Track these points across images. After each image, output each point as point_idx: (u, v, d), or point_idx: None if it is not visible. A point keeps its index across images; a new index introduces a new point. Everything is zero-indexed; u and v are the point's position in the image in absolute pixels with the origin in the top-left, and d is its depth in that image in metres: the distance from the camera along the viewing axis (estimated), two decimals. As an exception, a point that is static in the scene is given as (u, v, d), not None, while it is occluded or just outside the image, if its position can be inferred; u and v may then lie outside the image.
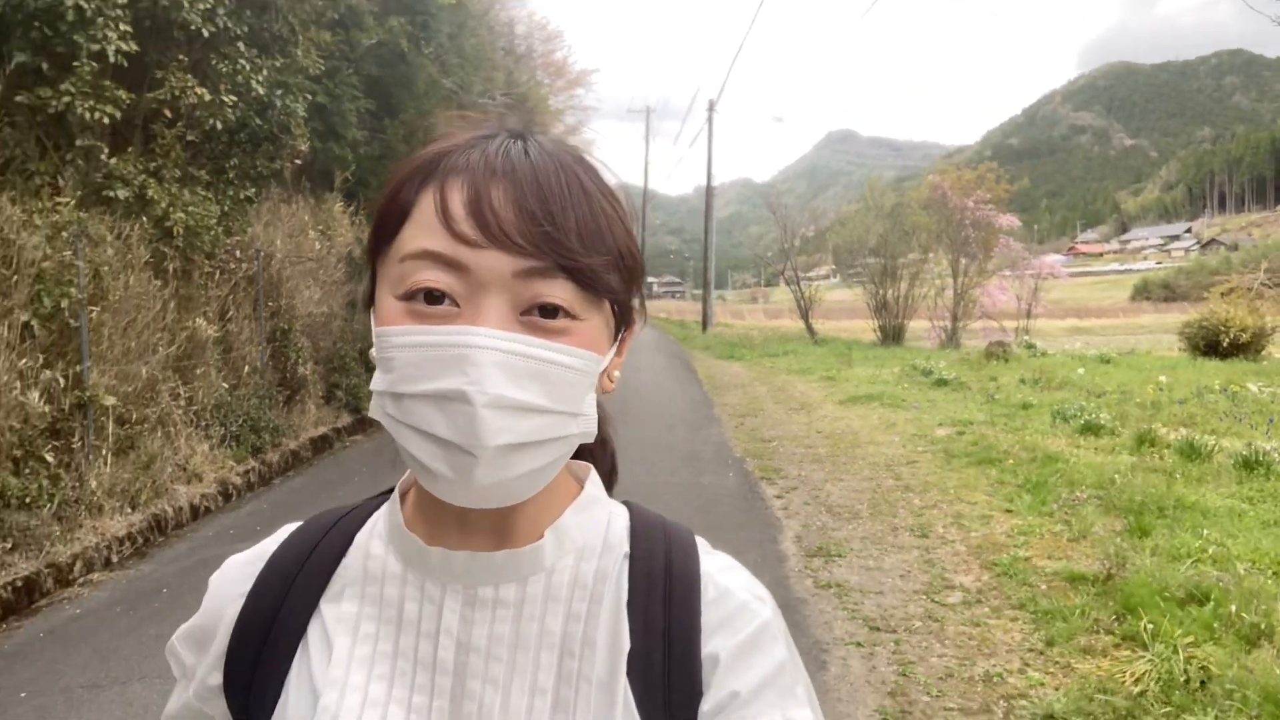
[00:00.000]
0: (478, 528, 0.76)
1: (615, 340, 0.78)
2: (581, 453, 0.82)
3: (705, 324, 34.28)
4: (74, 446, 7.26)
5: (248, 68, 9.14)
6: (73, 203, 7.76)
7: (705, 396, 14.91)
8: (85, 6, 7.45)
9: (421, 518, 0.79)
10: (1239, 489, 6.95)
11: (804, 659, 2.67)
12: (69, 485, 6.94)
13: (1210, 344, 17.72)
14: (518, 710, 0.74)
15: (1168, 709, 3.57)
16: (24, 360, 6.93)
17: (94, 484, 7.17)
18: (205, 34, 8.61)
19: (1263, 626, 4.08)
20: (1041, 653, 4.31)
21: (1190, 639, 4.04)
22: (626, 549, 0.81)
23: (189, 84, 8.52)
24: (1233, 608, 4.30)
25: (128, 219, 8.31)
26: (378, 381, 0.72)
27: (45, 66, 7.65)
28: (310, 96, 10.69)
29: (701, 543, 0.84)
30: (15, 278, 7.01)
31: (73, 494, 6.92)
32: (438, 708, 0.74)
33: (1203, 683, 3.70)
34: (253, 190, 10.09)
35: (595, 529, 0.81)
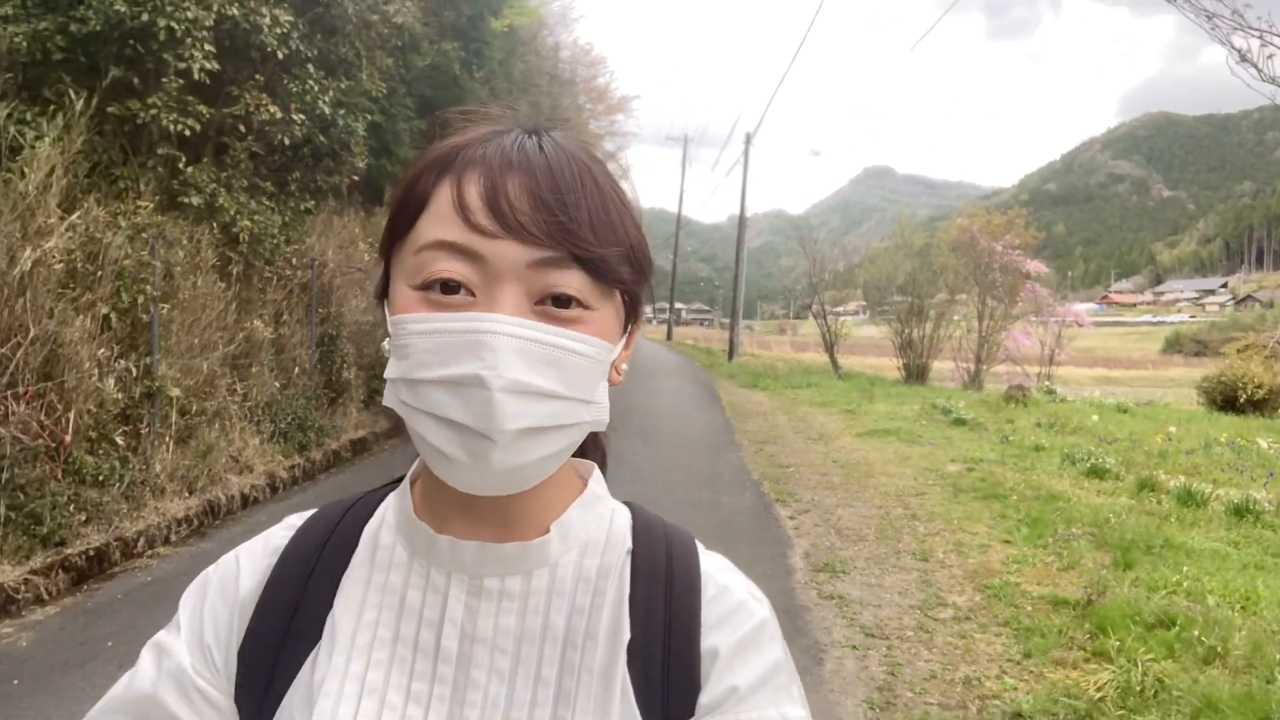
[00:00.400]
0: (484, 518, 0.79)
1: (624, 332, 0.80)
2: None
3: (731, 353, 34.78)
4: (141, 432, 7.85)
5: (316, 88, 9.80)
6: (151, 207, 8.41)
7: (727, 423, 15.39)
8: (176, 28, 8.11)
9: (429, 507, 0.81)
10: (1227, 534, 7.36)
11: (802, 658, 3.33)
12: (136, 467, 7.51)
13: (1228, 399, 18.03)
14: (522, 701, 0.75)
15: (1122, 711, 4.03)
16: (102, 350, 7.53)
17: (158, 468, 7.74)
18: (279, 55, 9.27)
19: (1218, 649, 4.53)
20: (1018, 663, 4.77)
21: (1152, 656, 4.50)
22: (629, 545, 0.83)
23: (263, 101, 9.18)
24: (1196, 632, 4.74)
25: (198, 224, 8.96)
26: (393, 369, 0.74)
27: (135, 81, 8.32)
28: (369, 116, 11.33)
29: (699, 543, 0.88)
30: (99, 274, 7.63)
31: (139, 475, 7.48)
32: (438, 695, 0.76)
33: (1156, 692, 4.16)
34: (312, 203, 10.75)
35: (599, 525, 0.84)
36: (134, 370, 7.84)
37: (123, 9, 7.83)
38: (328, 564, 0.82)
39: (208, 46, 8.40)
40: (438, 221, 0.72)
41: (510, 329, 0.68)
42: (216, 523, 7.76)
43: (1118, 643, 4.68)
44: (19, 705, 4.13)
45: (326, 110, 9.85)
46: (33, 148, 7.28)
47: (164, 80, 8.25)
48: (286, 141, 9.59)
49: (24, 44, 7.65)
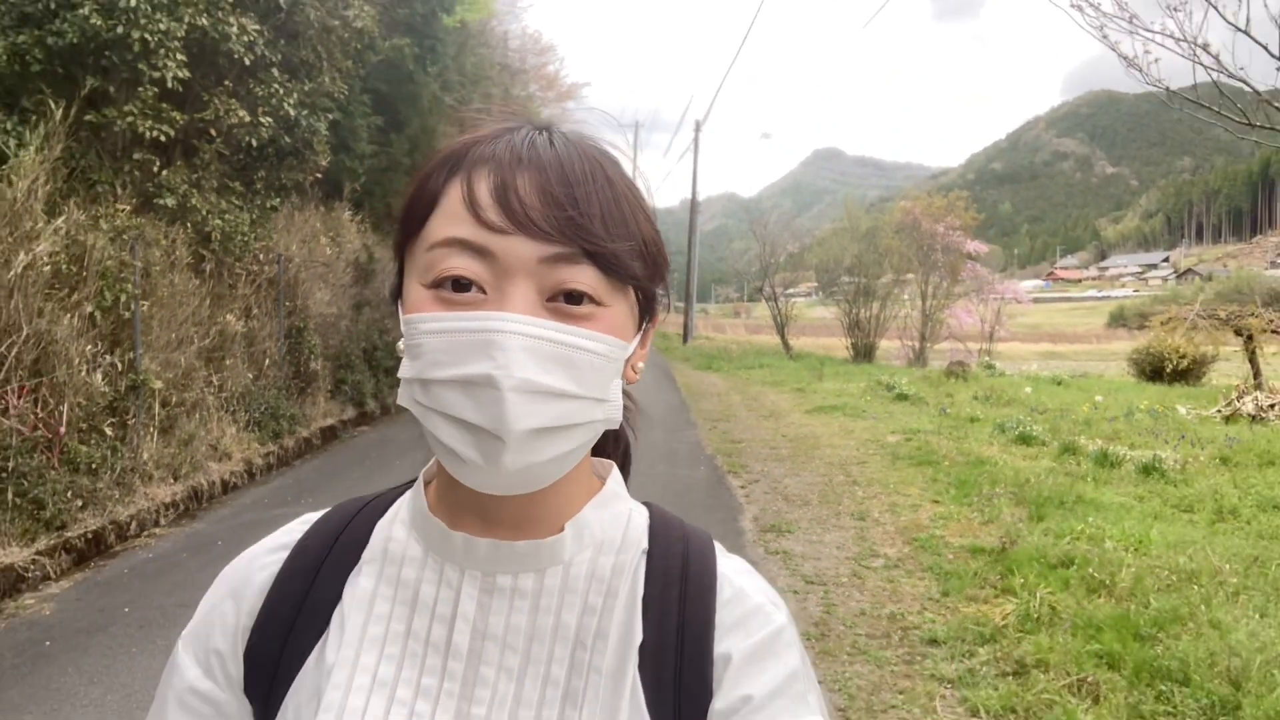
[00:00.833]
0: (498, 517, 0.78)
1: (639, 329, 0.79)
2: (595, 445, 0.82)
3: (686, 337, 35.48)
4: (128, 423, 8.30)
5: (280, 91, 10.23)
6: (129, 209, 8.83)
7: (683, 403, 16.05)
8: (149, 39, 8.52)
9: (444, 505, 0.81)
10: (1134, 490, 8.12)
11: None
12: (125, 456, 7.96)
13: (1156, 370, 18.98)
14: (530, 700, 0.75)
15: (1020, 633, 4.71)
16: (89, 346, 7.96)
17: (145, 456, 8.21)
18: (246, 61, 9.69)
19: (1106, 582, 5.23)
20: (937, 600, 5.44)
21: (1050, 590, 5.19)
22: (645, 546, 0.82)
23: (232, 106, 9.61)
24: (1090, 570, 5.45)
25: (173, 224, 9.39)
26: (406, 369, 0.73)
27: (111, 90, 8.72)
28: (330, 116, 11.76)
29: (718, 545, 0.86)
30: (84, 274, 8.06)
31: (129, 463, 7.93)
32: (447, 690, 0.76)
33: (1049, 617, 4.84)
34: (277, 200, 11.19)
35: (615, 525, 0.83)
36: (119, 365, 8.28)
37: (98, 22, 8.23)
38: (338, 557, 0.83)
39: (179, 56, 8.82)
40: (448, 219, 0.72)
41: (521, 327, 0.68)
42: (202, 507, 8.24)
43: (1022, 580, 5.37)
44: (55, 661, 4.66)
45: (291, 112, 10.29)
46: (17, 156, 7.68)
47: (139, 89, 8.66)
48: (254, 143, 10.01)
49: (3, 58, 8.04)
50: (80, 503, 7.18)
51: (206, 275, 10.00)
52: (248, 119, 9.76)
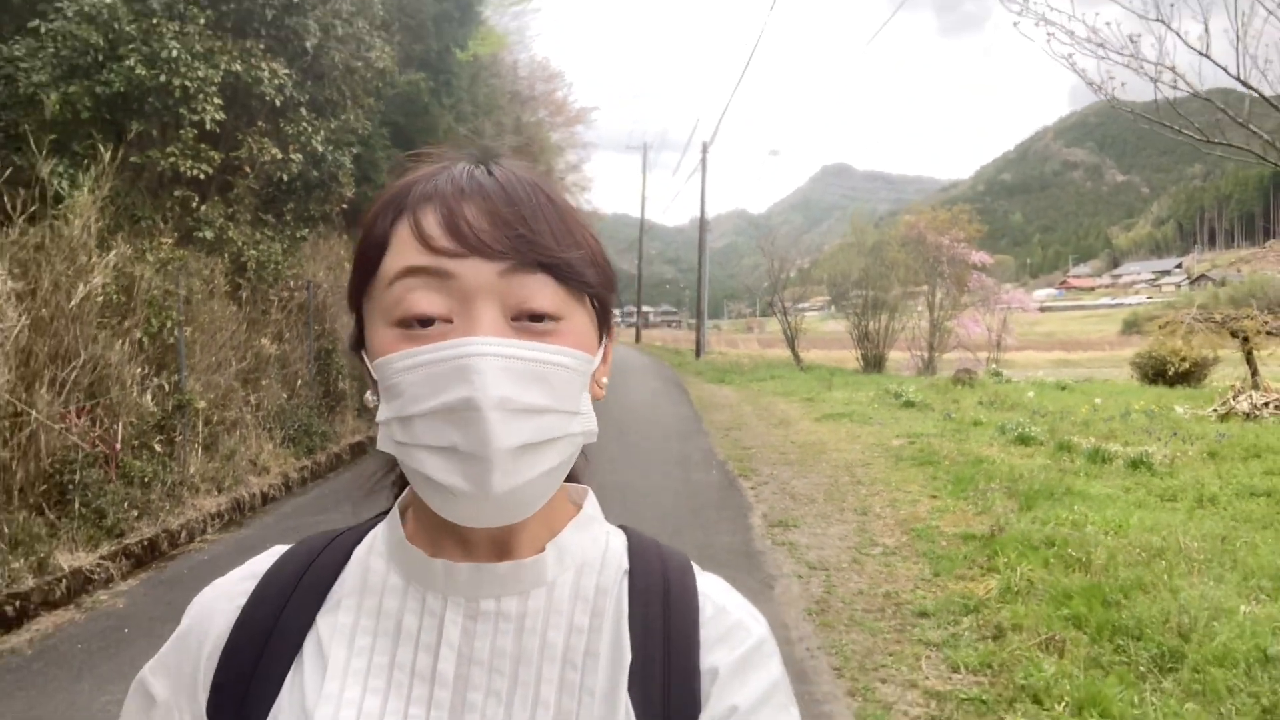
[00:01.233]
0: (478, 546, 0.79)
1: (600, 343, 0.81)
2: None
3: (698, 351, 36.03)
4: (175, 440, 8.89)
5: (309, 129, 10.87)
6: (171, 242, 9.45)
7: (695, 414, 16.57)
8: (189, 85, 9.17)
9: (423, 535, 0.81)
10: (1122, 482, 8.61)
11: (758, 586, 4.79)
12: (174, 470, 8.55)
13: (1158, 373, 19.40)
14: None
15: (1000, 604, 5.22)
16: (139, 369, 8.58)
17: (192, 470, 8.80)
18: (277, 103, 10.34)
19: (1082, 560, 5.74)
20: (929, 580, 5.96)
21: (1030, 567, 5.70)
22: (626, 566, 0.84)
23: (264, 145, 10.25)
24: (1069, 550, 5.95)
25: (211, 255, 10.01)
26: (384, 412, 0.74)
27: (154, 133, 9.37)
28: (354, 150, 12.40)
29: (694, 564, 0.88)
30: (132, 303, 8.68)
31: (178, 477, 8.52)
32: (434, 719, 0.76)
33: (1028, 590, 5.35)
34: (306, 230, 11.83)
35: (594, 546, 0.84)
36: (166, 386, 8.89)
37: (142, 72, 8.89)
38: (308, 588, 0.82)
39: (216, 100, 9.46)
40: (402, 255, 0.72)
41: (495, 349, 0.69)
42: (245, 517, 8.80)
43: (1005, 560, 5.88)
44: (134, 644, 5.24)
45: (319, 148, 10.92)
46: (71, 197, 8.31)
47: (180, 131, 9.31)
48: (284, 178, 10.65)
49: (57, 106, 8.68)
50: (136, 513, 7.75)
51: (242, 302, 10.63)
52: (279, 156, 10.40)
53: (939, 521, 7.43)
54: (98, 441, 7.75)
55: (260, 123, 10.43)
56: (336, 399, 12.77)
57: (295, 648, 0.79)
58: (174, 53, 9.05)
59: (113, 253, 8.43)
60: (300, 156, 10.69)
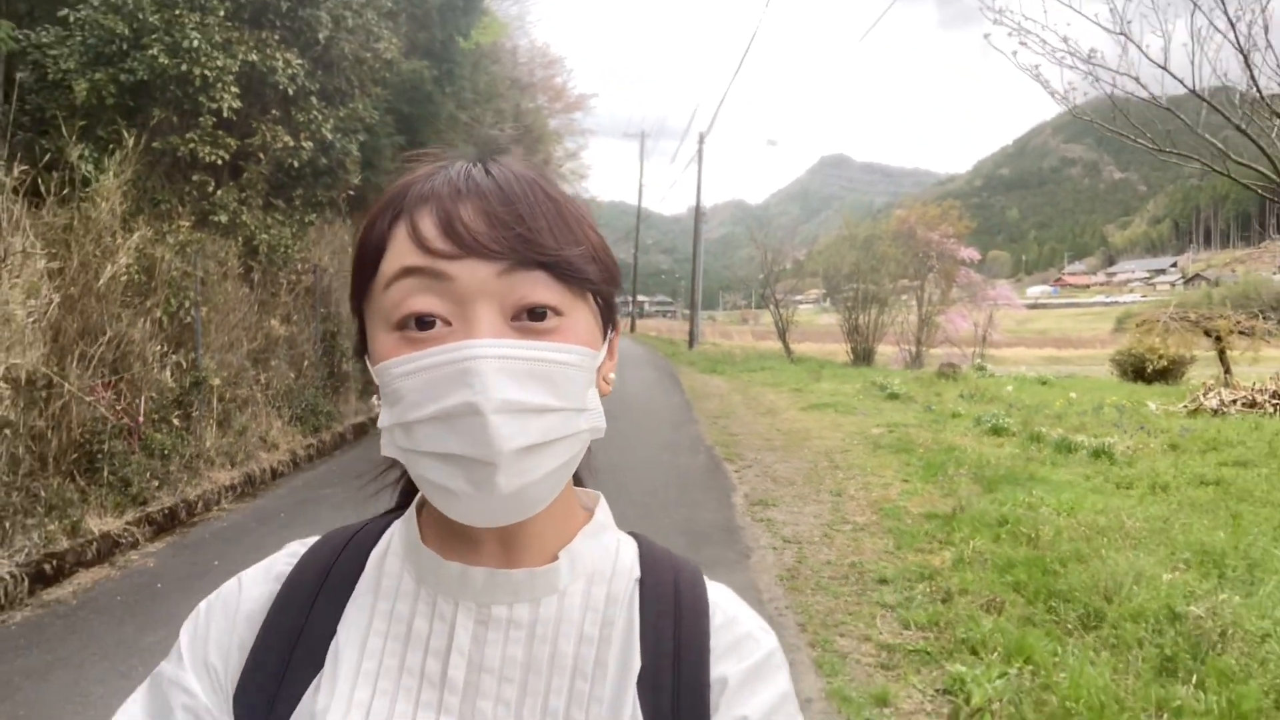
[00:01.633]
0: (487, 547, 0.79)
1: (604, 338, 0.80)
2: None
3: (691, 342, 36.57)
4: (192, 415, 9.38)
5: (319, 117, 11.35)
6: (188, 226, 9.94)
7: (686, 402, 17.11)
8: (208, 74, 9.65)
9: (435, 535, 0.82)
10: (1083, 470, 9.15)
11: (736, 556, 5.48)
12: (191, 444, 9.05)
13: (1137, 370, 19.98)
14: None
15: (952, 572, 5.76)
16: (159, 347, 9.07)
17: (208, 444, 9.30)
18: (289, 92, 10.81)
19: (1031, 536, 6.28)
20: (892, 552, 6.50)
21: (983, 541, 6.24)
22: (637, 574, 0.84)
23: (278, 132, 10.73)
24: (1021, 527, 6.49)
25: (225, 238, 10.50)
26: (385, 418, 0.74)
27: (175, 120, 9.84)
28: (360, 138, 12.87)
29: (704, 573, 0.89)
30: (153, 284, 9.17)
31: (195, 450, 9.02)
32: None
33: (978, 561, 5.89)
34: (314, 215, 12.31)
35: (605, 554, 0.85)
36: (183, 364, 9.39)
37: (165, 61, 9.36)
38: (331, 590, 0.83)
39: (233, 89, 9.94)
40: (399, 257, 0.72)
41: (493, 350, 0.69)
42: (257, 490, 9.31)
43: (961, 535, 6.42)
44: (168, 598, 5.77)
45: (329, 135, 11.40)
46: (97, 181, 8.78)
47: (199, 119, 9.79)
48: (295, 164, 11.13)
49: (84, 93, 9.15)
50: (157, 483, 8.25)
51: (254, 284, 11.12)
52: (291, 143, 10.88)
53: (907, 503, 7.97)
54: (123, 414, 8.25)
55: (274, 111, 10.90)
56: (340, 380, 13.27)
57: (320, 655, 0.79)
58: (195, 43, 9.53)
59: (135, 235, 8.91)
60: (311, 144, 11.16)
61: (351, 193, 13.13)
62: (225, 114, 9.93)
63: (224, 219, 10.42)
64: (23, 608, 5.65)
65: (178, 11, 9.58)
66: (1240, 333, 15.92)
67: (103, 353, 8.26)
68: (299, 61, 10.78)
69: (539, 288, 0.72)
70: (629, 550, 0.87)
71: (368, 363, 0.77)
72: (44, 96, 9.37)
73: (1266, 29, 7.00)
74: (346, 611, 0.81)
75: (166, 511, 8.01)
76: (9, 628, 5.34)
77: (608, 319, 0.81)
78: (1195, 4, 7.08)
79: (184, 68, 9.50)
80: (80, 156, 8.80)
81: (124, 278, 8.65)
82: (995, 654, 4.44)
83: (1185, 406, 14.03)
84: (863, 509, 7.95)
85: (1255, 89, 6.94)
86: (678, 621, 0.81)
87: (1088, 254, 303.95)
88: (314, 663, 0.79)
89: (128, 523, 7.46)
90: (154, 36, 9.44)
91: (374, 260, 0.75)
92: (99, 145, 9.26)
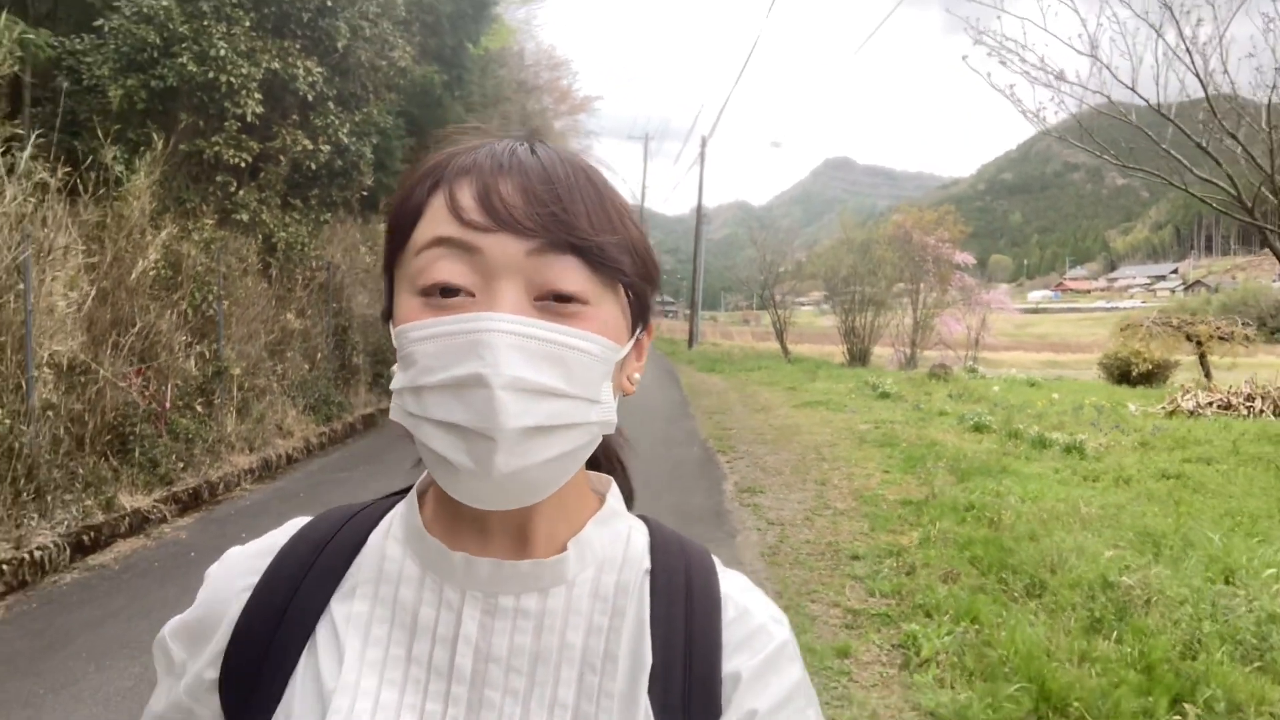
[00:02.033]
0: (496, 535, 0.78)
1: (632, 334, 0.79)
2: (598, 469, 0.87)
3: (691, 341, 37.15)
4: (214, 403, 9.95)
5: (336, 122, 11.91)
6: (212, 224, 10.51)
7: (684, 399, 17.68)
8: (234, 81, 10.21)
9: (440, 522, 0.81)
10: (1054, 464, 9.70)
11: (723, 535, 6.07)
12: (213, 429, 9.61)
13: (1123, 374, 20.53)
14: None
15: (918, 550, 6.32)
16: (184, 337, 9.64)
17: (229, 429, 9.86)
18: (309, 97, 11.37)
19: (994, 520, 6.84)
20: (866, 534, 7.05)
21: (948, 523, 6.80)
22: (647, 564, 0.83)
23: (297, 136, 11.29)
24: (985, 512, 7.05)
25: (246, 236, 11.07)
26: (398, 380, 0.73)
27: (201, 124, 10.41)
28: (374, 140, 13.43)
29: (717, 561, 0.87)
30: (179, 278, 9.73)
31: (216, 435, 9.59)
32: (451, 716, 0.75)
33: (941, 540, 6.45)
34: (328, 215, 12.87)
35: (616, 543, 0.83)
36: (206, 354, 9.95)
37: (193, 69, 9.92)
38: (323, 569, 0.82)
39: (257, 95, 10.51)
40: (433, 225, 0.72)
41: (509, 325, 0.68)
42: (274, 474, 9.87)
43: (931, 520, 6.98)
44: (202, 564, 6.26)
45: (344, 139, 11.97)
46: (129, 181, 9.35)
47: (224, 123, 10.35)
48: (313, 166, 11.70)
49: (118, 99, 9.72)
50: (182, 465, 8.82)
51: (272, 280, 11.69)
52: (310, 146, 11.45)
53: (885, 491, 8.53)
54: (151, 400, 8.81)
55: (294, 115, 11.47)
56: (351, 372, 13.84)
57: (308, 631, 0.79)
58: (221, 51, 10.10)
59: (163, 232, 9.48)
60: (328, 147, 11.73)
61: (364, 193, 13.70)
62: (249, 119, 10.49)
63: (245, 217, 10.98)
64: (70, 571, 6.23)
65: (206, 22, 10.14)
66: (1220, 338, 16.46)
67: (133, 342, 8.83)
68: (319, 69, 11.34)
69: (569, 273, 0.71)
70: (640, 537, 0.86)
71: (390, 326, 0.77)
72: (78, 100, 9.93)
73: (1225, 58, 7.53)
74: (345, 595, 0.81)
75: (191, 491, 8.57)
76: (60, 587, 5.92)
77: (639, 316, 0.80)
78: (1159, 33, 7.62)
79: (211, 75, 10.07)
80: (113, 158, 9.36)
81: (153, 272, 9.22)
82: (947, 616, 5.00)
83: (1163, 408, 14.58)
84: (844, 496, 8.50)
85: (1210, 110, 7.48)
86: (689, 614, 0.81)
87: (1090, 259, 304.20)
88: (300, 639, 0.79)
89: (156, 500, 8.01)
90: (183, 45, 10.00)
91: (409, 226, 0.75)
92: (130, 147, 9.82)
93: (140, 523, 7.68)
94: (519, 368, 0.68)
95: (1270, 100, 6.88)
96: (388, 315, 0.78)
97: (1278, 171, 7.10)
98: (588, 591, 0.80)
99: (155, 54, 10.01)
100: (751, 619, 0.82)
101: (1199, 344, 16.44)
